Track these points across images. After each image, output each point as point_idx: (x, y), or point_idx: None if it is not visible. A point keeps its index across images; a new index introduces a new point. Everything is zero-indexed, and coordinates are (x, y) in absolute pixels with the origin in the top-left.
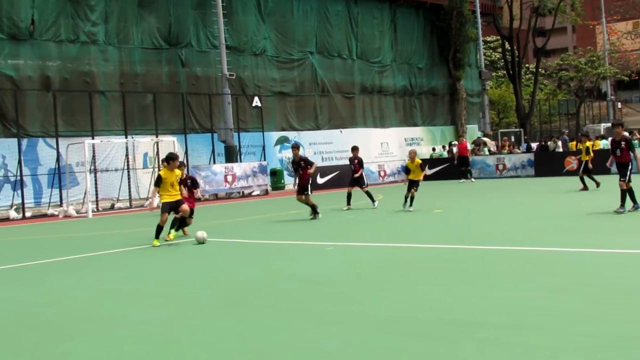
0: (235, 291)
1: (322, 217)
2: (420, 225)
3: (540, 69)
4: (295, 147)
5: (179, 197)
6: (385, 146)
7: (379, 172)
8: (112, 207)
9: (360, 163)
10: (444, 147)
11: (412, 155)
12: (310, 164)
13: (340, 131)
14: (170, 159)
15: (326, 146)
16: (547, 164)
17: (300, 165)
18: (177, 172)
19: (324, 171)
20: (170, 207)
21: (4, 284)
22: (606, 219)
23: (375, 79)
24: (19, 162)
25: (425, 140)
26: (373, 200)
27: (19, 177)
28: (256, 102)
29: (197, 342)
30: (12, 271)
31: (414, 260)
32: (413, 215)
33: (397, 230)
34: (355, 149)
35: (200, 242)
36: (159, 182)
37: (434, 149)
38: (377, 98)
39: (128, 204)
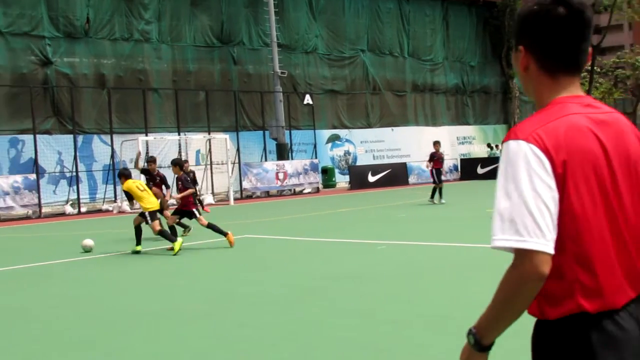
0: (288, 288)
1: (375, 216)
2: (472, 224)
3: (595, 67)
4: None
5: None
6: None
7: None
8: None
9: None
10: (489, 145)
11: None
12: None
13: (392, 129)
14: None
15: (377, 144)
16: None
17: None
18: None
19: (375, 169)
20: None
21: (57, 278)
22: None
23: (426, 77)
24: (75, 158)
25: (478, 139)
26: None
27: (74, 173)
28: (307, 99)
29: (245, 336)
30: (66, 265)
31: (466, 259)
32: (466, 214)
33: (449, 230)
34: (437, 144)
35: (87, 249)
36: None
37: (491, 146)
38: (428, 96)
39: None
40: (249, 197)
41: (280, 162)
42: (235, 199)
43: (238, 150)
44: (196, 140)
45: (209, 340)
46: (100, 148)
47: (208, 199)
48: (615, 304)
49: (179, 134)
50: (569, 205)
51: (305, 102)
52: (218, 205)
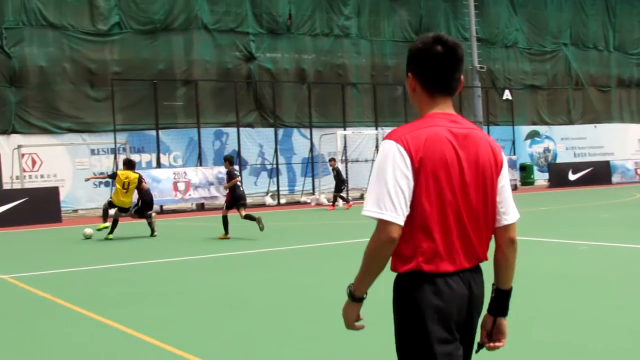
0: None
1: (576, 215)
2: None
3: None
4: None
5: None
6: None
7: (636, 170)
8: (362, 197)
9: None
10: None
11: None
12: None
13: (594, 126)
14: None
15: (579, 142)
16: None
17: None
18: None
19: (576, 167)
20: None
21: (270, 266)
22: None
23: (633, 72)
24: (275, 151)
25: None
26: None
27: (274, 166)
28: (507, 95)
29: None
30: (270, 254)
31: None
32: None
33: None
34: None
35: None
36: None
37: None
38: (634, 92)
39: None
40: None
41: None
42: None
43: None
44: None
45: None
46: (299, 141)
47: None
48: (447, 269)
49: (376, 129)
50: (419, 191)
51: (504, 97)
52: None
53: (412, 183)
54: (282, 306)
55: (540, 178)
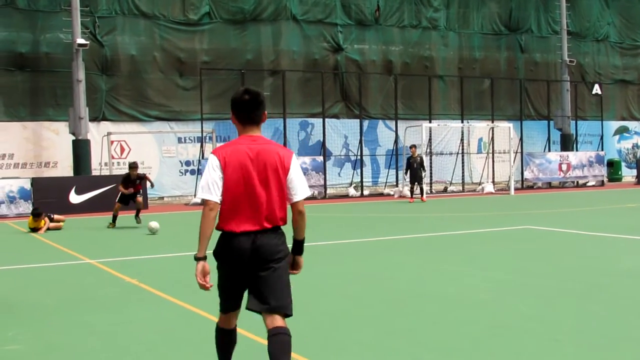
0: (568, 282)
1: None
2: None
3: None
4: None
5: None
6: None
7: None
8: (445, 190)
9: None
10: None
11: None
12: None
13: None
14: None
15: None
16: None
17: None
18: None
19: None
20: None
21: (351, 257)
22: None
23: None
24: (360, 142)
25: None
26: None
27: (359, 157)
28: (596, 89)
29: (528, 329)
30: (351, 245)
31: None
32: None
33: None
34: None
35: (153, 232)
36: None
37: None
38: None
39: (460, 188)
40: (530, 187)
41: (564, 153)
42: (516, 189)
43: (521, 139)
44: (479, 128)
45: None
46: (384, 133)
47: (488, 187)
48: (236, 230)
49: (462, 121)
50: (225, 182)
51: (593, 92)
52: (497, 195)
53: (222, 176)
54: (360, 297)
55: (628, 174)
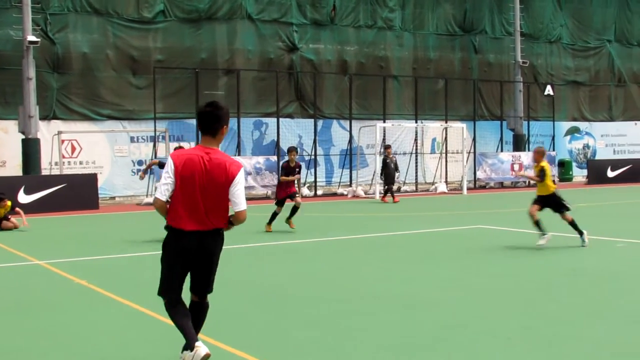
0: (520, 281)
1: (614, 212)
2: None
3: None
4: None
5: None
6: None
7: None
8: (399, 190)
9: None
10: None
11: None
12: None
13: (635, 123)
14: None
15: (619, 139)
16: None
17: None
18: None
19: (615, 164)
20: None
21: (300, 257)
22: None
23: None
24: (314, 142)
25: None
26: None
27: (313, 157)
28: (548, 90)
29: (481, 328)
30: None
31: None
32: None
33: None
34: None
35: None
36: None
37: None
38: None
39: (414, 188)
40: (482, 187)
41: (517, 153)
42: (468, 189)
43: (474, 139)
44: (433, 128)
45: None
46: (338, 133)
47: (441, 187)
48: (184, 228)
49: (416, 122)
50: (176, 186)
51: (545, 92)
52: (450, 195)
53: (174, 181)
54: (313, 298)
55: (579, 174)
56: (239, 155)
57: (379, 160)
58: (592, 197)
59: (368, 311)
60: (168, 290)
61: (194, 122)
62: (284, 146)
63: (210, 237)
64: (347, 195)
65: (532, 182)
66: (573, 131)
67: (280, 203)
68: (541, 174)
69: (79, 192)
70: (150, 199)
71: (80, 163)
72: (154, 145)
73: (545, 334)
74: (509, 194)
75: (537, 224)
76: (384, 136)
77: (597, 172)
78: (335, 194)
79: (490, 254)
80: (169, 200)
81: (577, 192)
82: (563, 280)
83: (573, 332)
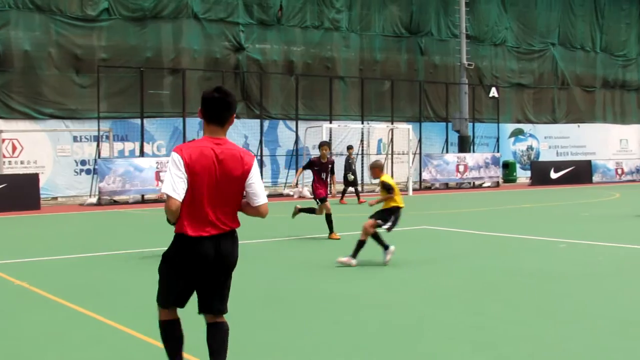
0: (466, 282)
1: (557, 213)
2: None
3: None
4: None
5: None
6: (625, 143)
7: (616, 170)
8: (344, 191)
9: None
10: None
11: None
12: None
13: (578, 126)
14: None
15: (562, 140)
16: None
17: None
18: None
19: (558, 166)
20: None
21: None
22: None
23: (618, 73)
24: (260, 142)
25: None
26: None
27: (259, 157)
28: (493, 92)
29: (426, 329)
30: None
31: None
32: None
33: (637, 232)
34: None
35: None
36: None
37: None
38: (619, 93)
39: (360, 189)
40: (428, 188)
41: (462, 155)
42: (414, 190)
43: (420, 140)
44: (379, 130)
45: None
46: (285, 133)
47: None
48: (202, 234)
49: (362, 122)
50: (189, 182)
51: (490, 95)
52: None
53: (185, 177)
54: (256, 300)
55: (523, 176)
56: None
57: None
58: (535, 198)
59: (313, 312)
60: (170, 296)
61: (138, 121)
62: None
63: (229, 241)
64: (293, 195)
65: (477, 182)
66: (517, 133)
67: (323, 200)
68: (385, 188)
69: (20, 193)
70: (93, 199)
71: (22, 163)
72: (98, 145)
73: (490, 335)
74: (454, 195)
75: (375, 238)
76: (330, 137)
77: (540, 174)
78: (281, 195)
79: (436, 255)
80: None
81: (520, 193)
82: (507, 280)
83: (519, 332)
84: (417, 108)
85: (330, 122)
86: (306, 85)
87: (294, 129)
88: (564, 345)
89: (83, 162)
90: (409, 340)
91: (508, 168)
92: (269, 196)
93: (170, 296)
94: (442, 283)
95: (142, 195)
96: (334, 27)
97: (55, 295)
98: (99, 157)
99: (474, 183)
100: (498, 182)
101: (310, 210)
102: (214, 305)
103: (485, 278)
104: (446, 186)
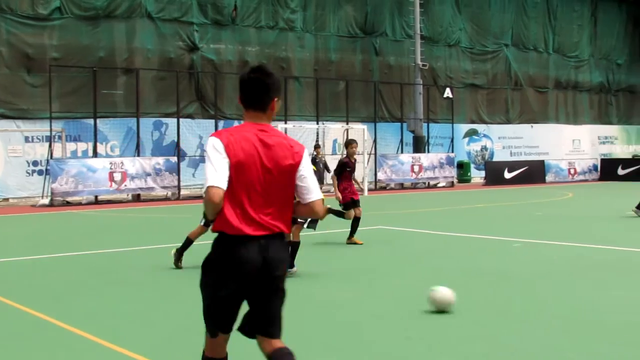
0: (422, 281)
1: (511, 213)
2: (608, 226)
3: None
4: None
5: None
6: (577, 143)
7: (569, 170)
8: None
9: None
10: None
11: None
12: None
13: (531, 126)
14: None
15: (515, 141)
16: None
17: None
18: None
19: (512, 166)
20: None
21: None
22: None
23: (570, 74)
24: None
25: (620, 140)
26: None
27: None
28: (447, 93)
29: (381, 328)
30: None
31: (605, 262)
32: (607, 215)
33: (585, 230)
34: None
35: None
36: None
37: None
38: (571, 94)
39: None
40: (383, 188)
41: (417, 155)
42: (369, 190)
43: (375, 141)
44: (334, 130)
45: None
46: None
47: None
48: (246, 232)
49: (317, 123)
50: (230, 170)
51: (444, 95)
52: None
53: (227, 161)
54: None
55: (477, 176)
56: (138, 156)
57: None
58: (489, 198)
59: None
60: (224, 318)
61: (91, 122)
62: (185, 147)
63: (279, 246)
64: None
65: (432, 182)
66: (471, 133)
67: (348, 207)
68: None
69: None
70: (45, 200)
71: None
72: (50, 146)
73: (446, 334)
74: (409, 195)
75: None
76: None
77: (494, 174)
78: None
79: (392, 255)
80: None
81: (475, 193)
82: (463, 280)
83: (474, 331)
84: (372, 108)
85: (285, 123)
86: None
87: None
88: (519, 345)
89: (35, 163)
90: (365, 340)
91: (462, 168)
92: None
93: (222, 318)
94: (399, 283)
95: (96, 196)
96: (289, 27)
97: (7, 298)
98: (51, 157)
99: (428, 183)
100: (452, 182)
101: (339, 214)
102: (271, 326)
103: (441, 277)
104: (401, 186)
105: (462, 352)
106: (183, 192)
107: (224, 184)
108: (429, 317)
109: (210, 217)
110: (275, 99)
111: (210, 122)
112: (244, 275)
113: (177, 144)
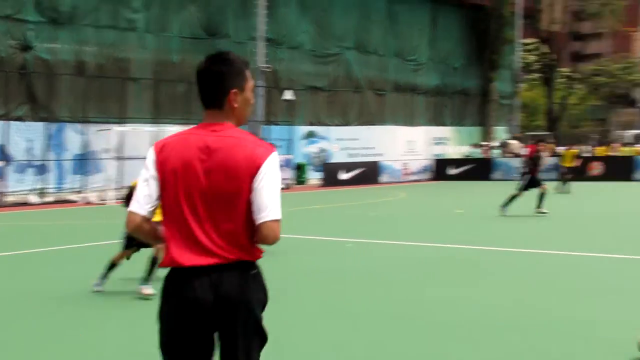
0: (273, 281)
1: (345, 214)
2: (439, 224)
3: (574, 73)
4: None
5: None
6: (412, 145)
7: (403, 170)
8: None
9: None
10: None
11: None
12: None
13: (368, 128)
14: None
15: (353, 142)
16: None
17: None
18: None
19: (348, 167)
20: None
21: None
22: None
23: (409, 77)
24: (45, 146)
25: (453, 140)
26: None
27: (40, 162)
28: (286, 95)
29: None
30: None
31: (429, 259)
32: (435, 214)
33: (417, 229)
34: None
35: None
36: None
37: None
38: (409, 96)
39: None
40: None
41: None
42: None
43: None
44: (171, 133)
45: None
46: (72, 137)
47: None
48: (183, 263)
49: (155, 126)
50: (162, 190)
51: (283, 97)
52: None
53: (157, 175)
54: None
55: (314, 177)
56: None
57: (114, 166)
58: (325, 199)
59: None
60: None
61: None
62: (13, 151)
63: (233, 277)
64: (79, 202)
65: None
66: (310, 135)
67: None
68: None
69: None
70: None
71: None
72: None
73: (274, 335)
74: None
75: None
76: (122, 141)
77: (331, 175)
78: (66, 201)
79: None
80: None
81: (312, 195)
82: (294, 280)
83: (302, 331)
84: None
85: (122, 125)
86: (98, 87)
87: (83, 133)
88: (347, 344)
89: None
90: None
91: (300, 170)
92: (55, 202)
93: None
94: None
95: None
96: (130, 27)
97: None
98: None
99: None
100: (288, 184)
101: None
102: None
103: (277, 278)
104: None
105: (289, 353)
106: (9, 198)
107: (143, 209)
108: (293, 316)
109: (150, 240)
110: (234, 91)
111: (41, 125)
112: (196, 319)
113: (1, 148)
